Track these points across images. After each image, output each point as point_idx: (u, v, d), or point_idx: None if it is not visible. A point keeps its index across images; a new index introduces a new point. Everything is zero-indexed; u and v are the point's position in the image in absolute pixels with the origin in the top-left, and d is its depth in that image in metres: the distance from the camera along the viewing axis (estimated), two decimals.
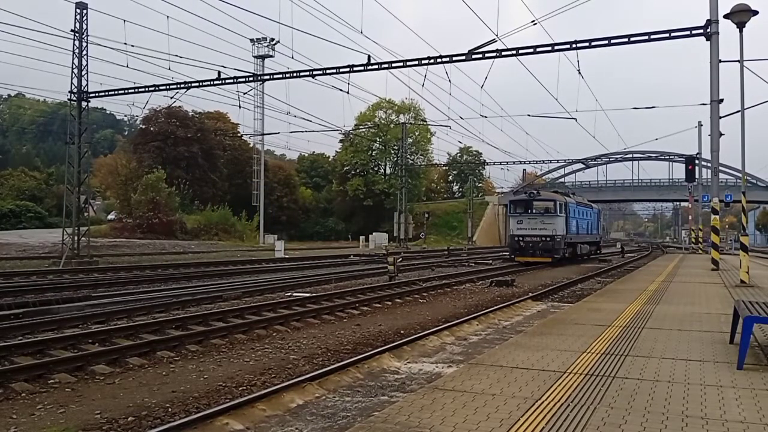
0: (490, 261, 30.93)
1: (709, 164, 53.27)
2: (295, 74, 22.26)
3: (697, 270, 19.48)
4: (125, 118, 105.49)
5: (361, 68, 21.01)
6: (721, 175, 54.54)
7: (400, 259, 20.56)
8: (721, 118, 16.39)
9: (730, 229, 78.73)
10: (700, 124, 41.40)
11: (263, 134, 54.55)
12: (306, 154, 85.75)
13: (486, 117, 25.67)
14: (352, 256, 34.07)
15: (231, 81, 23.39)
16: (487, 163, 70.84)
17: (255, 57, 56.94)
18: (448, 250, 37.89)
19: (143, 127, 64.18)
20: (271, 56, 55.44)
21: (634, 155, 66.35)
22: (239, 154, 72.46)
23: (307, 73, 21.79)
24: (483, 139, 75.62)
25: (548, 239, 28.53)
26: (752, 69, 15.97)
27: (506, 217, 48.13)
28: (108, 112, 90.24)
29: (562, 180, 74.94)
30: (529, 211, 29.75)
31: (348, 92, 22.42)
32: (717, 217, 16.64)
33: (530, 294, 16.17)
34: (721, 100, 16.27)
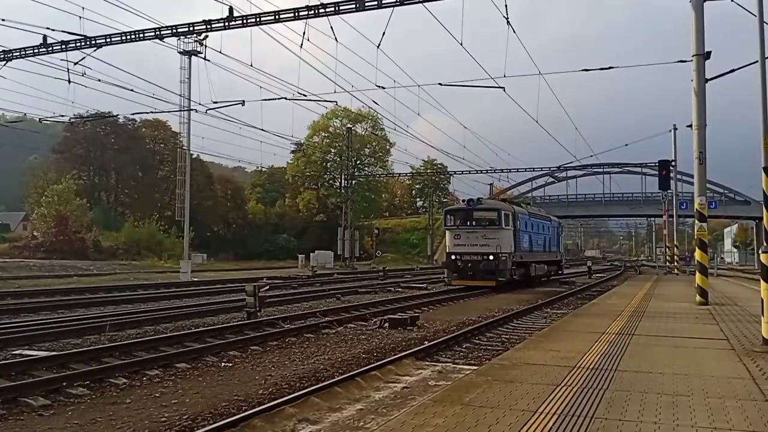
0: (426, 285, 25.32)
1: (683, 176, 49.20)
2: (133, 36, 16.69)
3: (677, 304, 13.98)
4: None
5: (222, 25, 15.56)
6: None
7: (267, 288, 14.93)
8: (709, 80, 11.13)
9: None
10: (674, 128, 36.82)
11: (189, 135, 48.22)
12: (264, 168, 79.69)
13: (384, 88, 20.28)
14: (265, 279, 28.21)
15: (59, 48, 17.69)
16: (450, 174, 65.58)
17: None
18: (384, 272, 32.22)
19: (67, 134, 57.70)
20: None
21: (605, 167, 61.81)
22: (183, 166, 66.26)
23: (153, 34, 16.26)
24: (447, 152, 70.80)
25: (491, 258, 22.85)
26: None
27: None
28: None
29: (529, 194, 70.13)
30: (469, 223, 24.09)
31: (206, 59, 17.35)
32: (704, 225, 11.30)
33: (425, 344, 10.54)
34: (708, 53, 11.04)
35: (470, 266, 23.30)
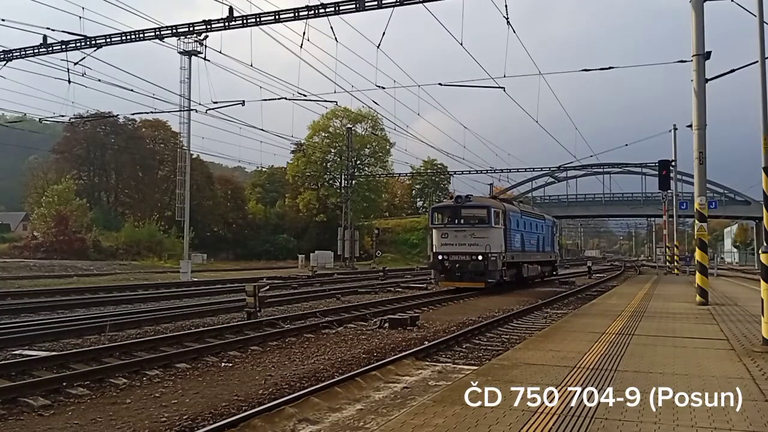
0: (426, 285, 25.29)
1: (683, 176, 49.20)
2: (133, 36, 16.65)
3: (677, 305, 14.00)
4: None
5: (222, 25, 15.52)
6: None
7: (267, 288, 14.95)
8: (709, 80, 11.14)
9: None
10: (675, 128, 36.82)
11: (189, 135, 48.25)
12: (264, 168, 79.61)
13: (384, 88, 20.28)
14: (265, 279, 28.25)
15: (59, 48, 17.67)
16: (450, 174, 65.66)
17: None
18: (384, 272, 32.27)
19: (67, 134, 57.72)
20: None
21: (605, 167, 61.80)
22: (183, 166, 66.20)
23: (153, 34, 16.23)
24: (447, 152, 71.09)
25: (480, 258, 21.73)
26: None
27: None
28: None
29: (529, 194, 70.20)
30: (456, 221, 22.85)
31: (206, 59, 17.34)
32: (704, 225, 11.31)
33: (425, 344, 10.56)
34: (708, 53, 11.04)
35: (458, 267, 22.20)
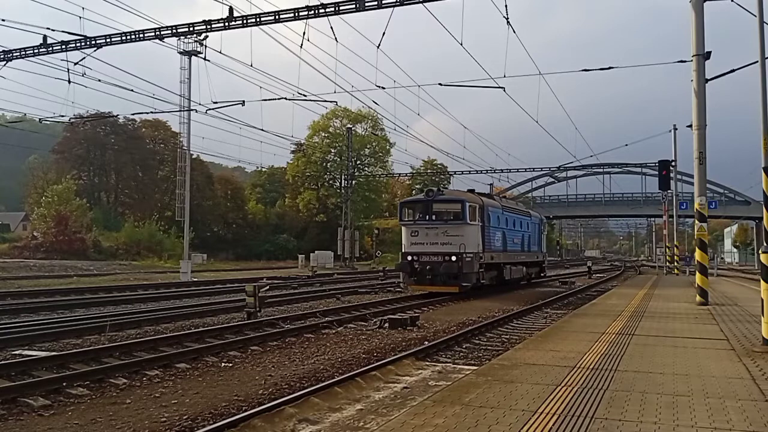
0: None
1: (683, 176, 49.21)
2: (133, 36, 16.67)
3: (677, 305, 14.00)
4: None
5: (222, 25, 15.53)
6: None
7: (267, 288, 14.95)
8: (709, 80, 11.14)
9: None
10: (675, 128, 36.78)
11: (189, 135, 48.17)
12: (264, 168, 79.55)
13: (384, 88, 20.27)
14: (265, 280, 28.26)
15: (59, 48, 17.67)
16: (450, 174, 65.67)
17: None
18: (384, 272, 32.28)
19: (67, 134, 57.73)
20: None
21: (605, 167, 61.78)
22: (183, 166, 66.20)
23: (153, 34, 16.24)
24: (447, 152, 71.16)
25: (453, 259, 19.36)
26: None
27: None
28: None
29: (529, 194, 70.26)
30: (428, 217, 20.33)
31: (206, 59, 17.34)
32: (704, 225, 11.30)
33: (425, 344, 10.55)
34: (708, 53, 11.04)
35: (429, 269, 19.74)
